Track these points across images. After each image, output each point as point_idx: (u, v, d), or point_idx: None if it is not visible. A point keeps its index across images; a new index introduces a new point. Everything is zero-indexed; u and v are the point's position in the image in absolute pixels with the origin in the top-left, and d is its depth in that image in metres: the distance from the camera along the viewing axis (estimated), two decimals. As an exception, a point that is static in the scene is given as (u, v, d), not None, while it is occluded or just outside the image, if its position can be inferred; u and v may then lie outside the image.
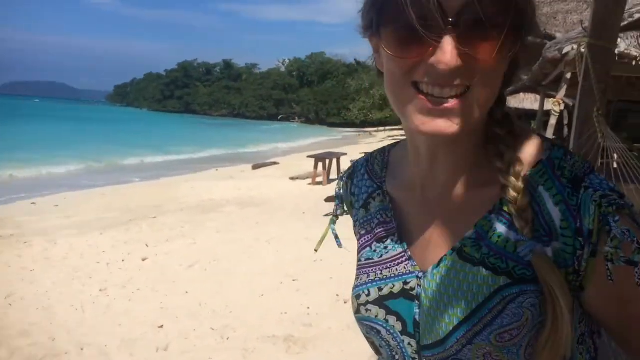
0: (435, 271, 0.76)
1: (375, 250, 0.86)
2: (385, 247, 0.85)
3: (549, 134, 8.32)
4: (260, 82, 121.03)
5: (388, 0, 0.65)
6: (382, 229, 0.87)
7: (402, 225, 0.85)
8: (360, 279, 0.87)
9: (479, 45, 0.64)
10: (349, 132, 66.28)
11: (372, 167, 0.95)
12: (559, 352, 0.68)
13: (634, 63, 5.75)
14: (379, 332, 0.81)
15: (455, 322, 0.71)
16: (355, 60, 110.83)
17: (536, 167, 0.73)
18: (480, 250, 0.73)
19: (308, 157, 16.87)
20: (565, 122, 16.48)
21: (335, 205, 1.03)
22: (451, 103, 0.66)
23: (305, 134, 50.77)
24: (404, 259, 0.81)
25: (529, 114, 19.41)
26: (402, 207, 0.86)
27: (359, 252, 0.91)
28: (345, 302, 5.32)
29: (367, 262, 0.87)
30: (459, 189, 0.78)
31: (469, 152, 0.77)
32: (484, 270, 0.71)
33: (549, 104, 8.84)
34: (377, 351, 0.88)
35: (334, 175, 16.34)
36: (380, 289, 0.81)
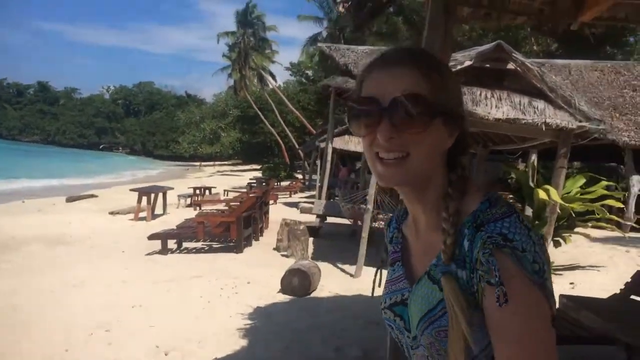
0: (415, 287, 1.04)
1: (391, 271, 1.16)
2: (394, 270, 1.14)
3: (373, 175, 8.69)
4: (80, 107, 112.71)
5: (354, 100, 0.99)
6: (393, 257, 1.17)
7: (404, 254, 1.15)
8: (384, 291, 1.15)
9: (406, 127, 0.93)
10: (177, 165, 64.43)
11: (397, 215, 1.23)
12: (455, 357, 0.90)
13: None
14: (392, 327, 1.11)
15: (417, 320, 1.00)
16: (185, 92, 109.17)
17: (469, 216, 0.95)
18: (437, 273, 0.98)
19: (131, 190, 15.80)
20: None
21: (384, 252, 1.28)
22: (394, 163, 0.95)
23: (129, 166, 47.97)
24: (402, 278, 1.10)
25: (353, 155, 20.64)
26: (407, 242, 1.15)
27: (388, 268, 1.19)
28: (166, 354, 4.83)
29: (386, 280, 1.16)
30: (430, 229, 1.05)
31: (432, 204, 1.02)
32: (437, 287, 0.97)
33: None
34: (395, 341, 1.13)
35: (159, 210, 15.48)
36: (390, 299, 1.10)
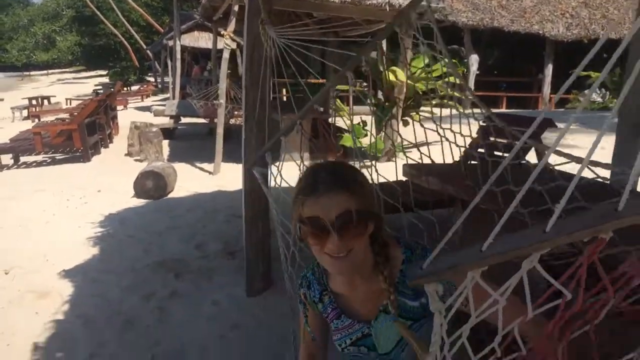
0: (375, 323, 1.36)
1: (337, 323, 1.43)
2: (342, 321, 1.41)
3: (224, 69, 8.32)
4: None
5: (302, 220, 1.23)
6: (334, 312, 1.43)
7: (344, 308, 1.42)
8: (337, 336, 1.43)
9: (350, 236, 1.20)
10: (9, 77, 57.21)
11: (316, 276, 1.47)
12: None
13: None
14: (358, 357, 1.42)
15: (393, 344, 1.36)
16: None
17: (403, 264, 1.33)
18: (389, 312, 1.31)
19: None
20: (239, 60, 17.08)
21: (301, 311, 1.54)
22: (341, 259, 1.22)
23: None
24: (355, 323, 1.39)
25: (204, 53, 19.60)
26: (342, 297, 1.43)
27: (330, 322, 1.45)
28: (6, 273, 4.40)
29: (335, 328, 1.43)
30: (367, 283, 1.35)
31: (368, 273, 1.33)
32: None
33: (221, 42, 8.81)
34: None
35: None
36: (351, 339, 1.40)
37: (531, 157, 4.69)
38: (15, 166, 9.17)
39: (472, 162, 5.09)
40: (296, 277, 1.65)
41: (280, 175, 2.27)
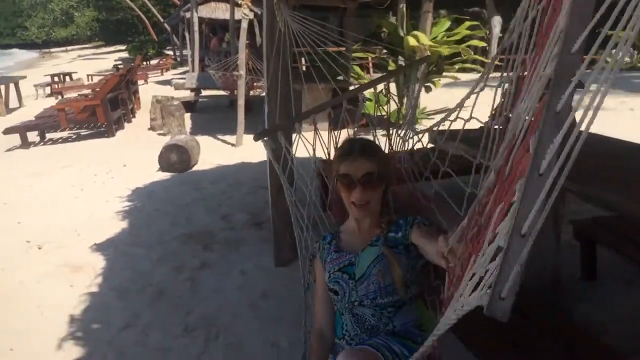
0: (362, 252, 1.82)
1: (334, 255, 1.89)
2: (338, 255, 1.88)
3: (242, 40, 8.25)
4: None
5: (339, 175, 1.81)
6: (334, 248, 1.92)
7: (344, 245, 1.92)
8: (329, 266, 1.87)
9: (371, 189, 1.78)
10: (30, 54, 57.66)
11: (331, 233, 2.01)
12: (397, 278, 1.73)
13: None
14: (338, 282, 1.81)
15: (367, 263, 1.79)
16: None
17: (396, 219, 1.86)
18: (378, 243, 1.82)
19: (-25, 84, 13.94)
20: (257, 30, 16.89)
21: (309, 262, 2.14)
22: (362, 206, 1.79)
23: (-29, 59, 42.26)
24: (346, 254, 1.86)
25: (222, 24, 19.44)
26: (345, 239, 1.94)
27: (327, 257, 1.92)
28: (40, 248, 4.52)
29: (330, 260, 1.88)
30: (371, 228, 1.87)
31: (375, 219, 1.86)
32: (376, 248, 1.81)
33: (239, 12, 8.73)
34: (335, 293, 1.83)
35: (14, 103, 13.97)
36: (339, 266, 1.84)
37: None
38: (42, 143, 9.32)
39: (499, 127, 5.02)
40: (309, 251, 2.21)
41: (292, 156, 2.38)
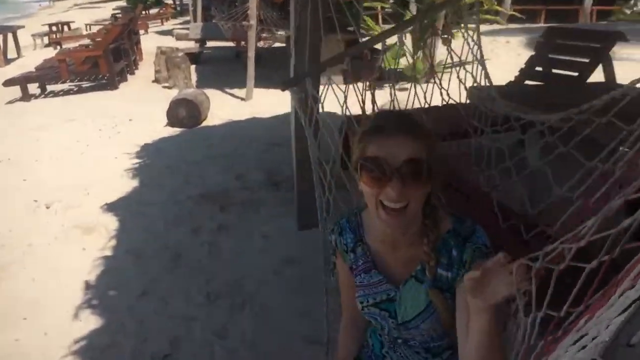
0: (403, 288, 1.30)
1: (364, 277, 1.34)
2: (371, 276, 1.34)
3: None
4: None
5: (365, 159, 1.14)
6: (365, 265, 1.35)
7: (377, 264, 1.34)
8: (359, 292, 1.35)
9: (412, 185, 1.12)
10: (25, 2, 56.15)
11: (352, 225, 1.38)
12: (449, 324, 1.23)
13: None
14: (376, 319, 1.35)
15: (413, 314, 1.28)
16: None
17: (447, 233, 1.24)
18: (424, 277, 1.27)
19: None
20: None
21: (331, 254, 1.47)
22: (397, 212, 1.14)
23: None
24: (384, 282, 1.32)
25: None
26: (377, 252, 1.35)
27: (355, 277, 1.36)
28: (48, 208, 4.30)
29: (360, 283, 1.35)
30: (410, 247, 1.28)
31: (413, 236, 1.26)
32: (422, 287, 1.27)
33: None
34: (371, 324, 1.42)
35: (12, 54, 13.50)
36: (375, 299, 1.33)
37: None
38: (43, 95, 8.99)
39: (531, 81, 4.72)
40: (330, 223, 1.55)
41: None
